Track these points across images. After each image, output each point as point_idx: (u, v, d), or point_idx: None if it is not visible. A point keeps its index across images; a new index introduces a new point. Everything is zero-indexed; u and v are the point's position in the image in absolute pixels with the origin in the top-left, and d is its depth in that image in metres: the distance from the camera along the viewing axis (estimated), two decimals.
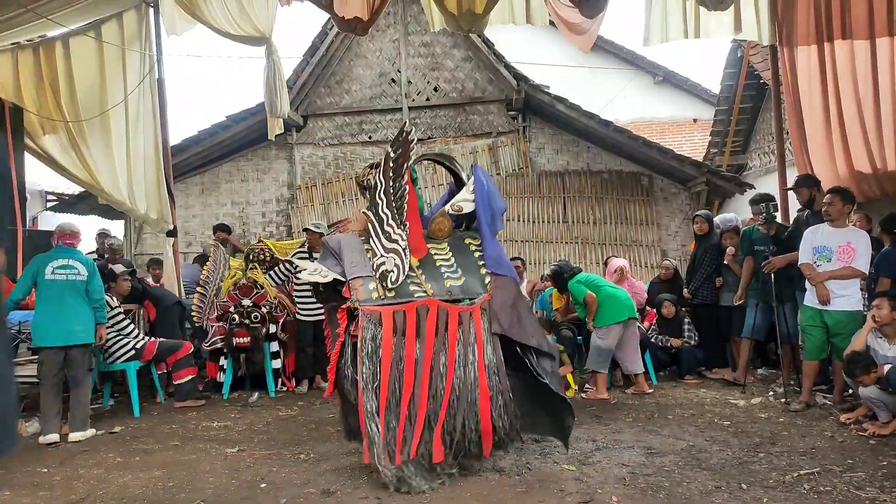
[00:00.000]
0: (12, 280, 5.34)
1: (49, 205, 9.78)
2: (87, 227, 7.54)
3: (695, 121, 13.24)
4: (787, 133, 7.19)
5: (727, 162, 10.16)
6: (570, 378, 5.68)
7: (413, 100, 9.44)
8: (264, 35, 6.94)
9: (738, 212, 9.07)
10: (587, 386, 5.95)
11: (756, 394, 5.52)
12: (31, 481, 3.78)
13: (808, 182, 5.55)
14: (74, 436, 4.71)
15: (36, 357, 5.08)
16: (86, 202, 8.83)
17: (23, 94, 7.01)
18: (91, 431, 4.83)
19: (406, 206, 3.82)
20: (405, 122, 4.18)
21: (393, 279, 3.70)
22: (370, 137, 9.54)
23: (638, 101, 13.23)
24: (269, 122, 7.64)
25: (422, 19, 9.27)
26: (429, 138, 9.44)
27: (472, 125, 9.41)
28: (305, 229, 6.73)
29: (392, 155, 3.83)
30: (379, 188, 3.87)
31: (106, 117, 6.98)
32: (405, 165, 3.81)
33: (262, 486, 3.51)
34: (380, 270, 3.72)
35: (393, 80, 9.51)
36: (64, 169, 7.13)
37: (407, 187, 3.82)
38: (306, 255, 6.53)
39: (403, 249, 3.76)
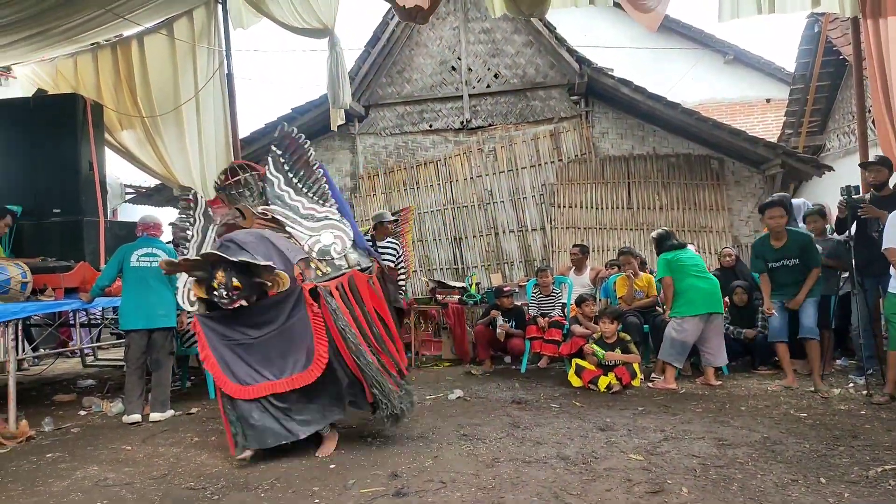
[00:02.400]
0: (96, 269, 5.65)
1: (127, 197, 10.26)
2: (163, 218, 7.88)
3: (768, 101, 12.65)
4: (870, 112, 6.77)
5: (804, 143, 9.68)
6: (636, 367, 5.57)
7: (473, 87, 9.40)
8: (327, 27, 7.03)
9: (816, 196, 8.65)
10: (653, 375, 5.82)
11: (835, 385, 5.26)
12: (116, 458, 3.99)
13: (887, 163, 5.24)
14: (155, 416, 4.96)
15: (118, 341, 5.37)
16: (161, 194, 9.23)
17: (102, 91, 7.39)
18: (170, 412, 5.07)
19: (325, 189, 4.25)
20: (284, 125, 4.47)
21: (338, 249, 4.04)
22: (431, 126, 9.56)
23: (706, 82, 12.74)
24: (331, 114, 7.76)
25: (482, 5, 9.20)
26: (489, 125, 9.39)
27: (533, 111, 9.29)
28: (378, 222, 6.78)
29: (280, 153, 4.31)
30: (277, 182, 4.25)
31: (179, 112, 7.26)
32: (308, 159, 4.29)
33: (332, 466, 3.60)
34: (316, 248, 4.02)
35: (453, 68, 9.48)
36: (141, 162, 7.47)
37: (321, 175, 4.28)
38: (369, 244, 6.63)
39: (339, 220, 4.11)
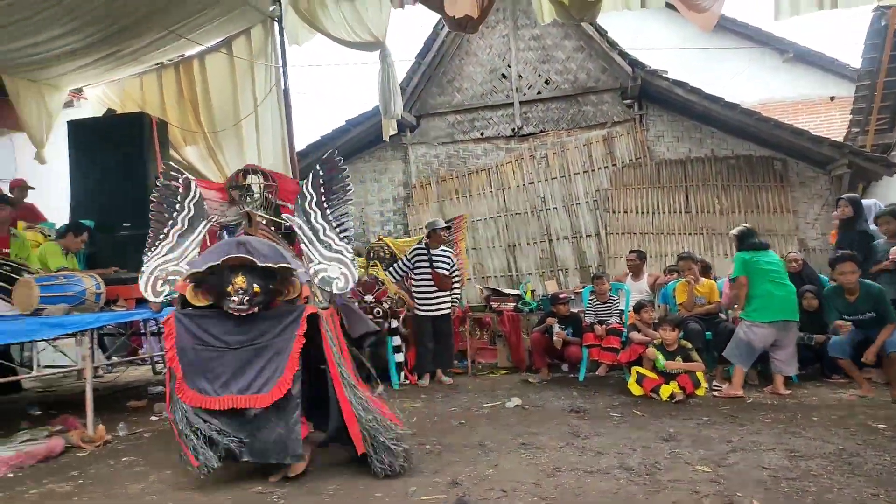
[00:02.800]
0: None
1: None
2: None
3: (832, 99, 12.16)
4: None
5: (872, 142, 9.25)
6: (700, 376, 5.41)
7: (524, 94, 9.38)
8: (378, 40, 7.15)
9: (886, 196, 8.25)
10: (715, 384, 5.66)
11: None
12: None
13: None
14: None
15: None
16: None
17: (166, 109, 7.70)
18: None
19: (348, 226, 4.05)
20: (334, 151, 4.19)
21: (340, 286, 3.84)
22: (482, 134, 9.58)
23: (765, 82, 12.34)
24: (383, 124, 7.88)
25: (531, 12, 9.19)
26: (541, 132, 9.35)
27: (585, 116, 9.20)
28: (432, 230, 6.80)
29: (321, 173, 4.07)
30: (309, 199, 4.05)
31: (238, 126, 7.51)
32: (345, 189, 4.07)
33: None
34: (319, 276, 3.85)
35: (503, 76, 9.49)
36: (203, 176, 7.74)
37: (349, 210, 4.08)
38: (423, 252, 6.69)
39: (351, 260, 3.92)
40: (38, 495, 3.59)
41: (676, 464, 3.59)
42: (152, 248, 3.97)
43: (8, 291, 4.89)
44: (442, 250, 6.78)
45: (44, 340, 5.69)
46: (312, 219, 4.05)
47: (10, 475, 3.97)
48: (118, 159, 6.65)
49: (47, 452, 4.32)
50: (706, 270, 6.80)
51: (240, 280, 3.45)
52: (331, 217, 4.05)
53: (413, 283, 6.78)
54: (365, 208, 10.17)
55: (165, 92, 7.79)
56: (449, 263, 6.74)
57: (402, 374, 6.61)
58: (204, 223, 4.07)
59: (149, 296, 3.80)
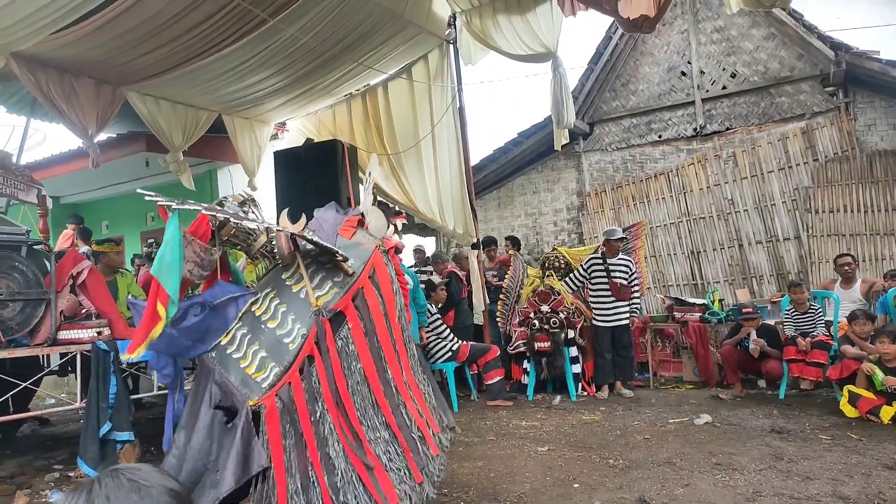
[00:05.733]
0: None
1: None
2: (407, 244, 8.63)
3: None
4: None
5: None
6: None
7: (707, 90, 8.82)
8: (550, 50, 7.17)
9: None
10: None
11: None
12: None
13: None
14: None
15: None
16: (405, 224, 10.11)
17: (355, 135, 8.37)
18: None
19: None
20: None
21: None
22: (660, 136, 9.17)
23: None
24: (555, 134, 7.84)
25: (712, 3, 8.65)
26: (727, 129, 8.72)
27: (779, 109, 8.42)
28: (606, 239, 6.66)
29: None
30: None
31: (418, 147, 7.93)
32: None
33: (576, 485, 3.59)
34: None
35: (683, 73, 9.01)
36: (387, 194, 8.28)
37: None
38: (600, 261, 6.56)
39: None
40: None
41: None
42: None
43: None
44: (620, 259, 6.59)
45: None
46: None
47: None
48: (316, 182, 7.36)
49: None
50: None
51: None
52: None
53: (590, 292, 6.66)
54: (538, 219, 10.18)
55: (354, 119, 8.47)
56: (627, 273, 6.53)
57: (580, 385, 6.50)
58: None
59: (348, 268, 3.08)
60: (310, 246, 3.01)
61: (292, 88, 7.23)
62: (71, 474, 4.31)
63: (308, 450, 2.61)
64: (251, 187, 8.41)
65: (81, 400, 4.32)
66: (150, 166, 9.01)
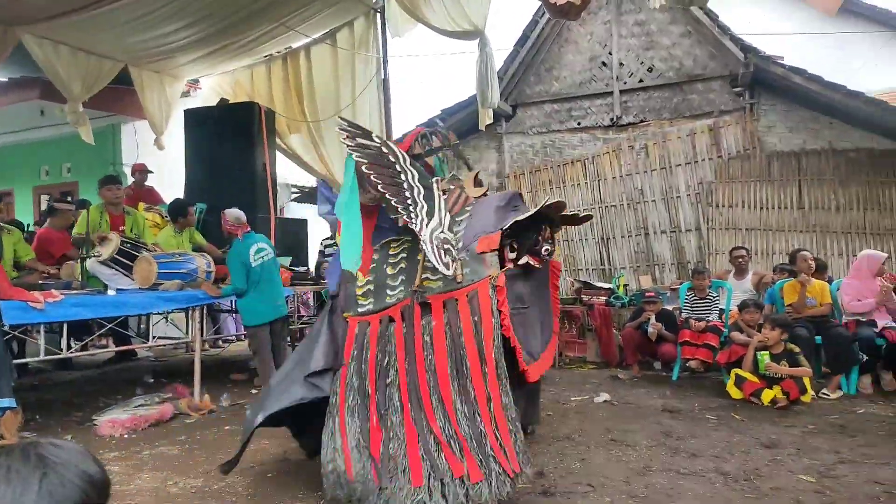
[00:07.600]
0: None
1: (293, 196, 11.13)
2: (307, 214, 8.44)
3: None
4: None
5: None
6: (806, 382, 5.08)
7: (625, 82, 9.09)
8: (478, 29, 7.15)
9: None
10: (823, 392, 5.31)
11: None
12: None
13: None
14: None
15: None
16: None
17: (274, 99, 8.07)
18: None
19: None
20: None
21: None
22: (579, 123, 9.39)
23: (894, 69, 11.31)
24: (479, 113, 7.87)
25: None
26: (641, 121, 9.03)
27: (690, 105, 8.80)
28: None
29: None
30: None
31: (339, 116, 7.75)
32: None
33: None
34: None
35: (604, 64, 9.23)
36: (305, 164, 8.07)
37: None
38: None
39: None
40: (149, 456, 3.90)
41: (778, 471, 3.40)
42: (412, 217, 3.20)
43: (129, 267, 5.31)
44: None
45: (158, 313, 6.14)
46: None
47: (126, 436, 4.34)
48: (230, 146, 7.06)
49: (158, 417, 4.69)
50: (821, 270, 6.36)
51: (548, 231, 3.45)
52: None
53: None
54: None
55: (273, 82, 8.16)
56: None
57: None
58: (433, 180, 3.51)
59: (443, 269, 3.09)
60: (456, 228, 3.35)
61: (208, 43, 6.86)
62: None
63: (369, 399, 3.03)
64: (157, 146, 7.96)
65: None
66: (45, 115, 8.36)
